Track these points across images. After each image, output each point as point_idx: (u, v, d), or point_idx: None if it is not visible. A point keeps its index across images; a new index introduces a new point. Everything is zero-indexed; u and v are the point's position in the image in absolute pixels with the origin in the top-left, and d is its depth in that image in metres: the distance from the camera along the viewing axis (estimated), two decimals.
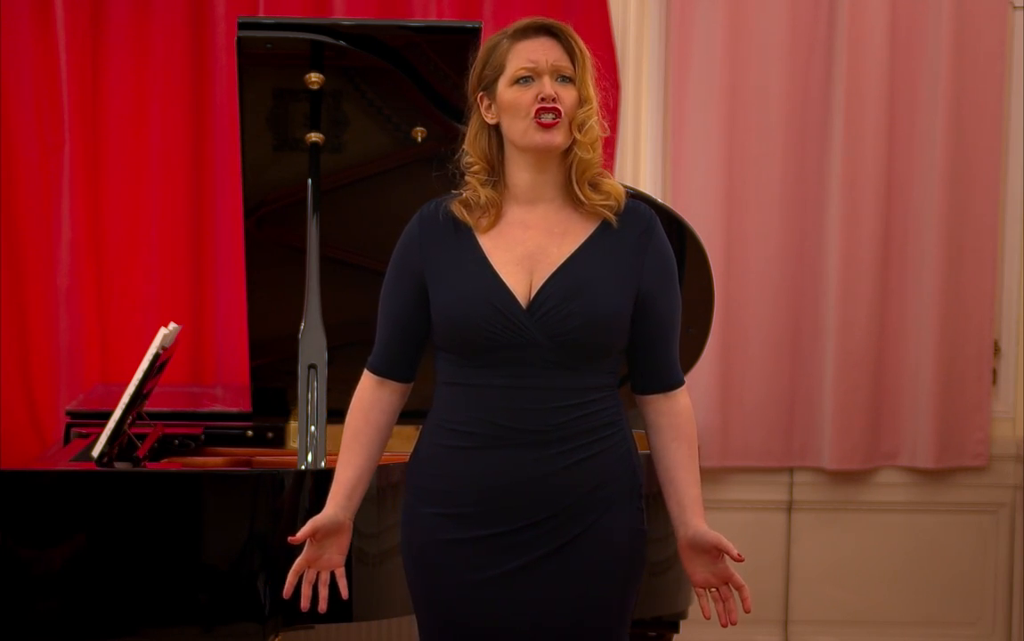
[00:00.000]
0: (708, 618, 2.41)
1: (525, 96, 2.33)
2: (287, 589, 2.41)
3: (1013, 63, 4.62)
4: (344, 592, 2.43)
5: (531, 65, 2.33)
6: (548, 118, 2.32)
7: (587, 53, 2.37)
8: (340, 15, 4.39)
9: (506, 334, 2.32)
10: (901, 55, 4.55)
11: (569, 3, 4.53)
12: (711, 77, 4.52)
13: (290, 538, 2.40)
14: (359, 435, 2.45)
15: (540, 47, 2.34)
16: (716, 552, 2.36)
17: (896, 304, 4.61)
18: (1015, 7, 4.63)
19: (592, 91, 2.36)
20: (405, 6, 4.46)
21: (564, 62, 2.34)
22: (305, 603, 2.41)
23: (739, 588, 2.38)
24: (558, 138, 2.34)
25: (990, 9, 4.55)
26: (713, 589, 2.39)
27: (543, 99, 2.31)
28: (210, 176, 4.48)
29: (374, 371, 2.47)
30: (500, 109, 2.36)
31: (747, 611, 2.37)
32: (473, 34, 3.11)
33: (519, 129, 2.34)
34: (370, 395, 2.47)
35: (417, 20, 4.35)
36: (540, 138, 2.33)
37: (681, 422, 2.43)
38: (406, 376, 2.47)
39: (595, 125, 2.36)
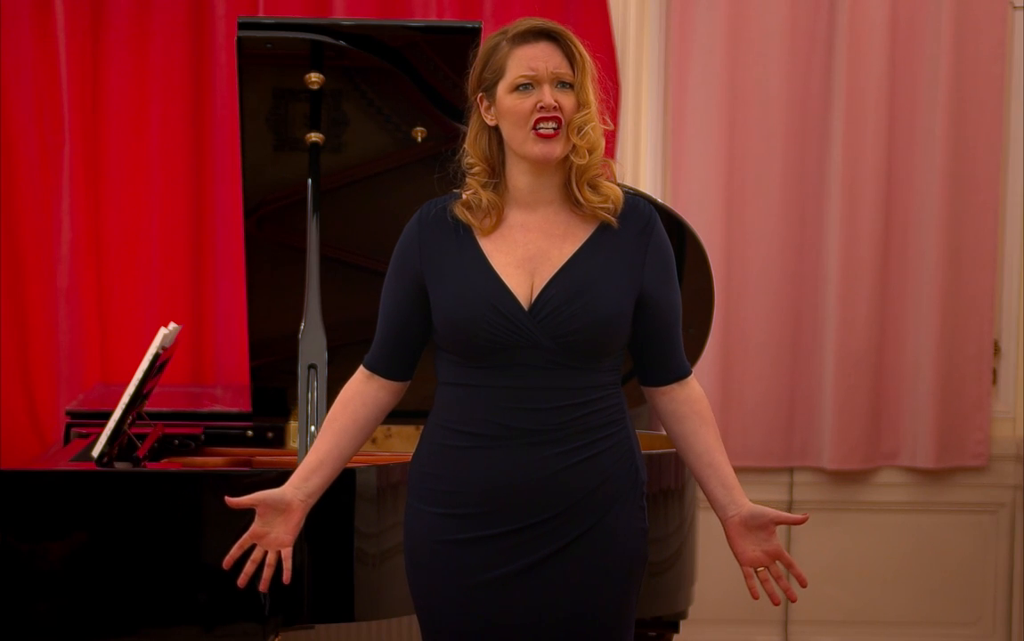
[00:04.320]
0: (757, 598, 2.39)
1: (524, 104, 2.31)
2: (228, 560, 2.40)
3: (1013, 63, 4.62)
4: (287, 576, 2.39)
5: (531, 72, 2.31)
6: (547, 128, 2.31)
7: (587, 57, 2.35)
8: (340, 15, 4.39)
9: (508, 336, 2.32)
10: (901, 55, 4.55)
11: (569, 3, 4.53)
12: (711, 77, 4.52)
13: (227, 499, 2.40)
14: (333, 422, 2.45)
15: (540, 53, 2.32)
16: (772, 528, 2.37)
17: (896, 304, 4.61)
18: (1015, 7, 4.63)
19: (591, 96, 2.34)
20: (405, 6, 4.46)
21: (564, 68, 2.32)
22: (243, 579, 2.40)
23: (789, 565, 2.38)
24: (557, 149, 2.32)
25: (990, 9, 4.55)
26: (761, 569, 2.39)
27: (542, 108, 2.30)
28: (210, 176, 4.48)
29: (365, 365, 2.48)
30: (499, 114, 2.35)
31: (803, 586, 2.36)
32: (473, 34, 3.11)
33: (518, 138, 2.33)
34: (355, 387, 2.47)
35: (417, 20, 4.35)
36: (539, 150, 2.32)
37: (702, 407, 2.44)
38: (398, 374, 2.47)
39: (591, 130, 2.33)
